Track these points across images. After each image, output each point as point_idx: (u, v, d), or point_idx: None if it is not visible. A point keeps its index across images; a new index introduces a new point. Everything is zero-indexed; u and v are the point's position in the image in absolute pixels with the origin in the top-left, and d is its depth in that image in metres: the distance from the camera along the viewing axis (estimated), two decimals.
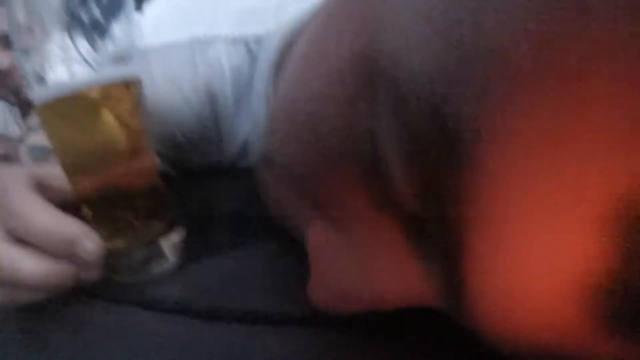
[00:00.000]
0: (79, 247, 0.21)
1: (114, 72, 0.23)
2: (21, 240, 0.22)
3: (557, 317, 0.11)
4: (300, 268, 0.23)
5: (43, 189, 0.24)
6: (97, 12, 0.23)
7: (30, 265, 0.21)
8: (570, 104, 0.09)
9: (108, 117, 0.23)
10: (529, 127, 0.09)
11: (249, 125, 0.37)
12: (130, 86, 0.24)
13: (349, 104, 0.14)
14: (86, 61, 0.22)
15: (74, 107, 0.22)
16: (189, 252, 0.27)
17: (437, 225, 0.12)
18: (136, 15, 0.26)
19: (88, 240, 0.22)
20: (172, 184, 0.31)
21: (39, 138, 0.37)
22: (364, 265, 0.16)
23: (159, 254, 0.25)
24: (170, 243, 0.26)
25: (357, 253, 0.16)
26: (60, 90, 0.22)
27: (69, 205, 0.24)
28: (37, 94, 0.22)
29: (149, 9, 0.38)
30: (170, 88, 0.36)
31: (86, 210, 0.25)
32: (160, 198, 0.27)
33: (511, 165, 0.10)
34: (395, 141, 0.12)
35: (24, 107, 0.99)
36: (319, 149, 0.16)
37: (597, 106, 0.08)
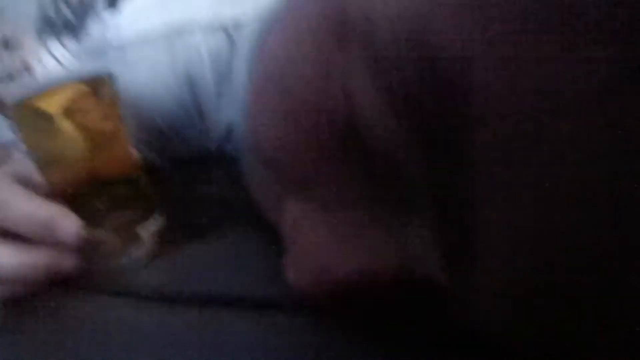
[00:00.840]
0: (57, 228, 0.21)
1: (86, 69, 0.23)
2: (1, 231, 0.21)
3: None
4: (279, 253, 0.23)
5: (24, 183, 0.24)
6: (68, 12, 0.22)
7: (5, 257, 0.21)
8: None
9: (67, 128, 0.23)
10: None
11: (233, 109, 0.37)
12: (100, 82, 0.24)
13: (322, 64, 0.14)
14: (58, 61, 0.22)
15: (35, 115, 0.22)
16: (169, 239, 0.26)
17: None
18: (108, 13, 0.26)
19: (67, 220, 0.21)
20: (156, 172, 0.31)
21: None
22: (341, 240, 0.15)
23: (137, 242, 0.25)
24: (149, 231, 0.26)
25: (335, 228, 0.15)
26: (27, 89, 0.21)
27: (48, 198, 0.23)
28: (8, 93, 0.22)
29: (122, 3, 0.37)
30: (149, 77, 0.35)
31: (63, 202, 0.25)
32: (138, 187, 0.27)
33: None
34: (373, 92, 0.12)
35: None
36: (291, 113, 0.15)
37: None
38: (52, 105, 0.22)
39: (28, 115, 0.22)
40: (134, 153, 0.28)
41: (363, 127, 0.13)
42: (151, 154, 0.41)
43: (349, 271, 0.15)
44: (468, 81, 0.10)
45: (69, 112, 0.23)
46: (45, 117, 0.22)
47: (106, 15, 0.23)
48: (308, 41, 0.14)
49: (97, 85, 0.24)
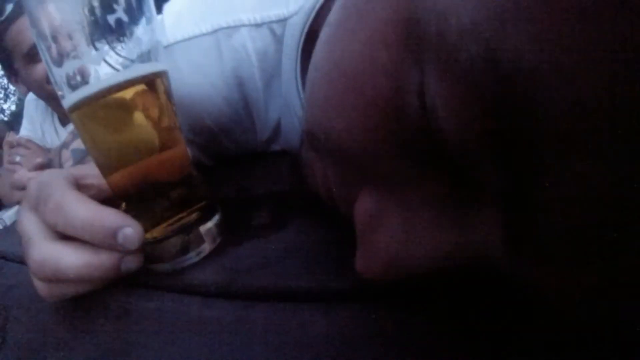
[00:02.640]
0: (119, 234, 0.21)
1: (140, 69, 0.23)
2: (64, 236, 0.22)
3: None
4: (341, 244, 0.22)
5: (83, 188, 0.25)
6: (121, 15, 0.22)
7: (71, 259, 0.21)
8: None
9: (138, 116, 0.23)
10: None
11: (280, 107, 0.36)
12: (157, 80, 0.24)
13: (394, 66, 0.14)
14: (110, 64, 0.22)
15: (104, 109, 0.22)
16: (228, 236, 0.26)
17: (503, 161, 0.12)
18: (157, 16, 0.26)
19: (128, 227, 0.21)
20: (208, 172, 0.30)
21: (80, 143, 0.38)
22: (415, 228, 0.15)
23: (196, 241, 0.25)
24: (207, 229, 0.25)
25: (407, 217, 0.16)
26: (89, 92, 0.22)
27: (107, 202, 0.24)
28: (67, 98, 0.22)
29: (168, 7, 0.38)
30: (197, 77, 0.35)
31: (123, 205, 0.25)
32: (194, 186, 0.27)
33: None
34: (446, 94, 0.12)
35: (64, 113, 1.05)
36: (364, 114, 0.15)
37: None
38: (125, 100, 0.22)
39: (94, 111, 0.22)
40: (189, 152, 0.28)
41: (436, 129, 0.13)
42: (200, 154, 0.41)
43: (421, 262, 0.15)
44: (540, 96, 0.10)
45: (139, 106, 0.23)
46: (115, 110, 0.22)
47: (153, 17, 0.23)
48: (381, 47, 0.14)
49: (153, 83, 0.24)
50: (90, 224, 0.21)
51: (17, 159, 0.87)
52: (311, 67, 0.19)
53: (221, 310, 0.19)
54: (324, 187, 0.20)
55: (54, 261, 0.21)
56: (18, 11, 1.00)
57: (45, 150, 0.94)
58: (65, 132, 1.06)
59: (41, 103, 1.16)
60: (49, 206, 0.22)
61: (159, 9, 0.37)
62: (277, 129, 0.38)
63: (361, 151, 0.16)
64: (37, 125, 1.16)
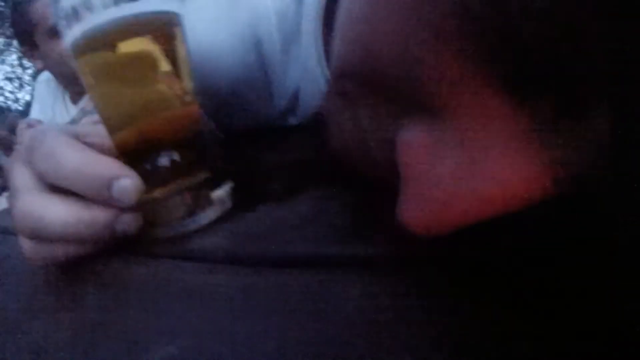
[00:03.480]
0: (114, 186, 0.19)
1: (151, 3, 0.20)
2: (57, 189, 0.19)
3: None
4: (366, 211, 0.19)
5: (85, 141, 0.22)
6: None
7: (58, 211, 0.19)
8: None
9: (151, 66, 0.21)
10: None
11: (299, 74, 0.34)
12: (171, 24, 0.21)
13: None
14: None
15: (112, 55, 0.20)
16: (239, 203, 0.23)
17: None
18: None
19: (125, 178, 0.19)
20: (220, 143, 0.28)
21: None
22: (472, 163, 0.12)
23: (203, 203, 0.22)
24: (216, 194, 0.23)
25: (463, 148, 0.13)
26: (93, 24, 0.19)
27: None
28: (70, 33, 0.20)
29: None
30: (212, 33, 0.33)
31: (126, 162, 0.22)
32: (203, 148, 0.24)
33: None
34: None
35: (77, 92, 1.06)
36: (417, 26, 0.12)
37: None
38: (139, 47, 0.20)
39: (104, 56, 0.20)
40: (200, 110, 0.25)
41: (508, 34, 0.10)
42: (212, 123, 0.39)
43: (488, 205, 0.13)
44: None
45: (152, 57, 0.21)
46: (131, 54, 0.20)
47: None
48: None
49: (167, 28, 0.21)
50: (82, 172, 0.19)
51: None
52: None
53: (228, 277, 0.17)
54: (355, 136, 0.17)
55: (39, 214, 0.19)
56: None
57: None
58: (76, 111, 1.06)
59: (52, 84, 1.16)
60: (40, 153, 0.19)
61: None
62: (294, 99, 0.36)
63: (417, 67, 0.13)
64: (48, 107, 1.16)
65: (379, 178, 0.17)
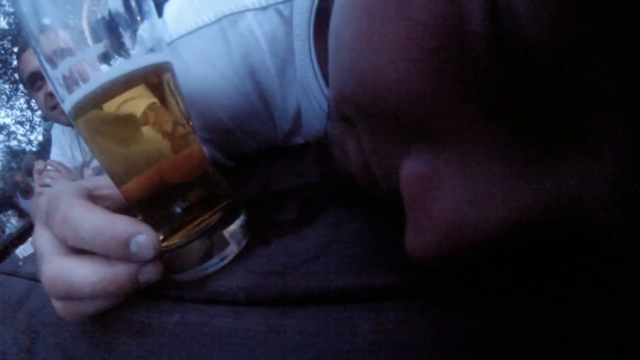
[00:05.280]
0: (132, 243, 0.19)
1: (140, 60, 0.21)
2: (80, 251, 0.20)
3: None
4: (381, 234, 0.19)
5: (97, 199, 0.23)
6: (119, 9, 0.21)
7: (84, 274, 0.20)
8: None
9: (146, 118, 0.21)
10: None
11: (298, 94, 0.34)
12: (162, 75, 0.22)
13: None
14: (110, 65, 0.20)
15: (108, 113, 0.21)
16: (254, 237, 0.24)
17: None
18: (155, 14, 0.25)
19: (141, 235, 0.20)
20: (229, 172, 0.28)
21: None
22: (481, 185, 0.12)
23: (220, 244, 0.22)
24: (231, 231, 0.23)
25: (470, 172, 0.13)
26: (89, 90, 0.20)
27: (123, 212, 0.22)
28: (67, 100, 0.20)
29: (168, 6, 0.36)
30: (206, 70, 0.33)
31: (139, 214, 0.23)
32: (213, 186, 0.24)
33: None
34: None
35: None
36: (418, 49, 0.12)
37: None
38: (131, 104, 0.21)
39: (101, 115, 0.21)
40: (204, 151, 0.26)
41: (516, 40, 0.10)
42: (218, 154, 0.39)
43: (490, 230, 0.13)
44: None
45: (145, 111, 0.21)
46: (126, 109, 0.21)
47: (153, 13, 0.21)
48: None
49: (158, 79, 0.22)
50: (99, 234, 0.19)
51: (47, 181, 0.88)
52: (335, 19, 0.16)
53: (251, 320, 0.17)
54: (359, 162, 0.18)
55: (66, 277, 0.20)
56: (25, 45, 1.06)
57: (70, 169, 0.96)
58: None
59: (67, 127, 1.19)
60: (57, 219, 0.20)
61: (160, 13, 0.35)
62: (297, 119, 0.36)
63: (415, 98, 0.13)
64: (67, 148, 1.19)
65: (386, 200, 0.17)
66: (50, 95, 1.09)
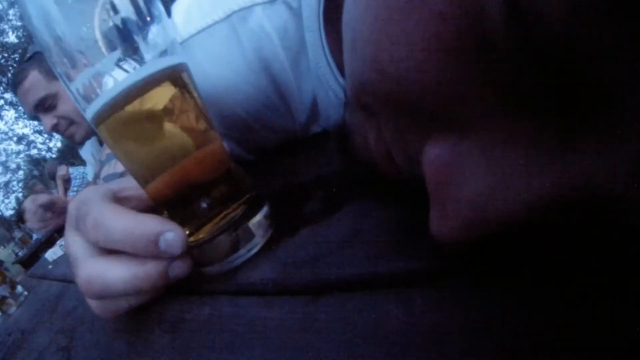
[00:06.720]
0: (160, 241, 0.20)
1: (156, 64, 0.21)
2: (110, 252, 0.21)
3: None
4: (407, 221, 0.19)
5: (122, 201, 0.24)
6: (130, 15, 0.21)
7: (117, 273, 0.20)
8: None
9: (166, 118, 0.22)
10: None
11: (313, 84, 0.34)
12: (178, 75, 0.22)
13: None
14: (126, 71, 0.21)
15: (129, 117, 0.21)
16: (280, 228, 0.24)
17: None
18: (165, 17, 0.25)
19: (169, 232, 0.20)
20: (251, 167, 0.29)
21: (110, 168, 0.38)
22: (505, 168, 0.13)
23: (246, 236, 0.23)
24: (256, 222, 0.23)
25: (493, 156, 0.13)
26: (108, 98, 0.20)
27: (149, 211, 0.23)
28: (88, 110, 0.21)
29: (176, 7, 0.37)
30: (220, 68, 0.33)
31: (165, 212, 0.23)
32: (236, 180, 0.25)
33: None
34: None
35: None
36: (433, 47, 0.12)
37: None
38: (151, 104, 0.21)
39: (122, 120, 0.21)
40: (225, 146, 0.26)
41: (536, 19, 0.10)
42: (238, 149, 0.40)
43: (515, 212, 0.13)
44: None
45: (166, 110, 0.22)
46: (146, 112, 0.21)
47: (163, 17, 0.21)
48: None
49: (175, 79, 0.22)
50: (129, 234, 0.20)
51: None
52: (351, 11, 0.16)
53: (283, 309, 0.17)
54: (380, 150, 0.18)
55: (100, 278, 0.20)
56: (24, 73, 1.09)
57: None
58: None
59: (93, 141, 1.23)
60: (88, 224, 0.21)
61: (167, 14, 0.36)
62: (314, 108, 0.36)
63: (436, 87, 0.13)
64: (96, 160, 1.23)
65: (408, 186, 0.17)
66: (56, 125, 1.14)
